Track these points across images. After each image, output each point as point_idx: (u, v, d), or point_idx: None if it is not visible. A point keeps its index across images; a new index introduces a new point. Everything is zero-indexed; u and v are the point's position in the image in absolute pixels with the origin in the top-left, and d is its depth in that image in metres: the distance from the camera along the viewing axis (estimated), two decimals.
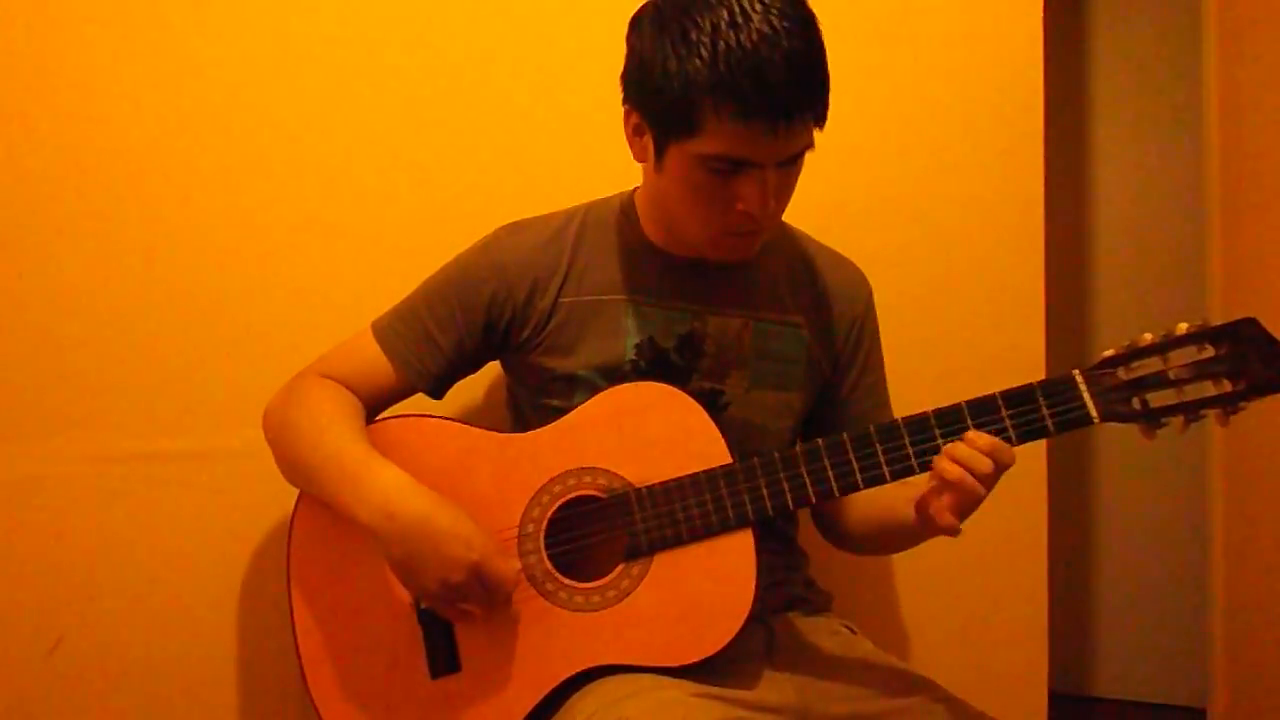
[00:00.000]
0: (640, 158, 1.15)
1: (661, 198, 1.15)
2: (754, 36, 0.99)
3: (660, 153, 1.09)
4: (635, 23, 1.10)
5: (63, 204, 1.36)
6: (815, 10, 1.11)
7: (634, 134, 1.13)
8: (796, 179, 1.11)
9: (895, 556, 1.55)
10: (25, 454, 1.34)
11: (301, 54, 1.42)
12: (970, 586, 1.56)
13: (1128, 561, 2.49)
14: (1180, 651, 2.35)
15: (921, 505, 1.07)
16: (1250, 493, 1.85)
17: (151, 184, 1.38)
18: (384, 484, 1.08)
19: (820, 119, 1.05)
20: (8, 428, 1.34)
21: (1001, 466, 1.02)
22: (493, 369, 1.30)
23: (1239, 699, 1.88)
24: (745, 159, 1.04)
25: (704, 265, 1.20)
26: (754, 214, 1.07)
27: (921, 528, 1.09)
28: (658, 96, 1.05)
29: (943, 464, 1.02)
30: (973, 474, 1.01)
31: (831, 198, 1.48)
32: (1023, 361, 1.54)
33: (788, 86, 1.00)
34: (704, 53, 1.00)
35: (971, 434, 1.03)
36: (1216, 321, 1.01)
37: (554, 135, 1.47)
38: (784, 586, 1.23)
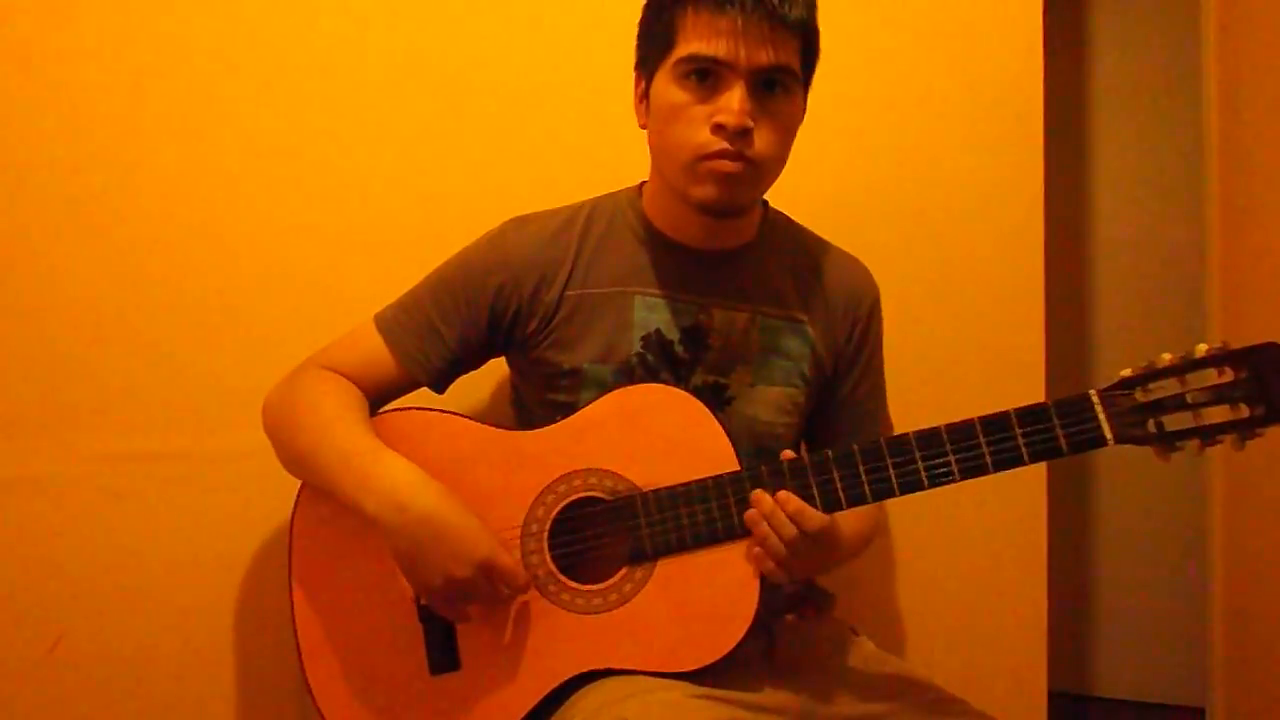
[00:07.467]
0: (644, 123, 1.17)
1: (653, 151, 1.16)
2: None
3: (649, 94, 1.13)
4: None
5: (63, 204, 1.36)
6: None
7: (639, 100, 1.17)
8: (785, 122, 1.12)
9: (896, 556, 1.55)
10: (25, 454, 1.34)
11: (301, 51, 1.42)
12: (970, 586, 1.56)
13: (1127, 561, 2.49)
14: (1180, 651, 2.35)
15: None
16: (1250, 493, 1.84)
17: (151, 183, 1.38)
18: (394, 476, 1.07)
19: (799, 39, 1.09)
20: (8, 427, 1.34)
21: (807, 532, 1.03)
22: (497, 366, 1.30)
23: (1239, 699, 1.88)
24: (717, 58, 1.06)
25: (711, 257, 1.20)
26: (728, 126, 1.06)
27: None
28: (647, 33, 1.14)
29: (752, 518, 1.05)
30: (777, 533, 1.03)
31: (831, 197, 1.49)
32: (1022, 362, 1.55)
33: None
34: None
35: (783, 495, 1.04)
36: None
37: (558, 131, 1.47)
38: (785, 589, 1.22)
